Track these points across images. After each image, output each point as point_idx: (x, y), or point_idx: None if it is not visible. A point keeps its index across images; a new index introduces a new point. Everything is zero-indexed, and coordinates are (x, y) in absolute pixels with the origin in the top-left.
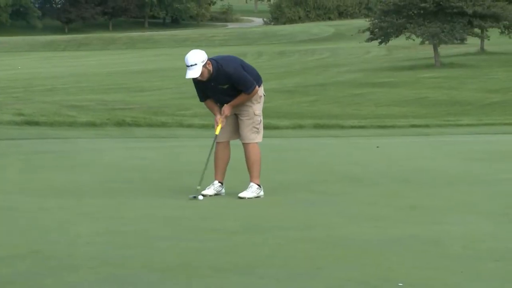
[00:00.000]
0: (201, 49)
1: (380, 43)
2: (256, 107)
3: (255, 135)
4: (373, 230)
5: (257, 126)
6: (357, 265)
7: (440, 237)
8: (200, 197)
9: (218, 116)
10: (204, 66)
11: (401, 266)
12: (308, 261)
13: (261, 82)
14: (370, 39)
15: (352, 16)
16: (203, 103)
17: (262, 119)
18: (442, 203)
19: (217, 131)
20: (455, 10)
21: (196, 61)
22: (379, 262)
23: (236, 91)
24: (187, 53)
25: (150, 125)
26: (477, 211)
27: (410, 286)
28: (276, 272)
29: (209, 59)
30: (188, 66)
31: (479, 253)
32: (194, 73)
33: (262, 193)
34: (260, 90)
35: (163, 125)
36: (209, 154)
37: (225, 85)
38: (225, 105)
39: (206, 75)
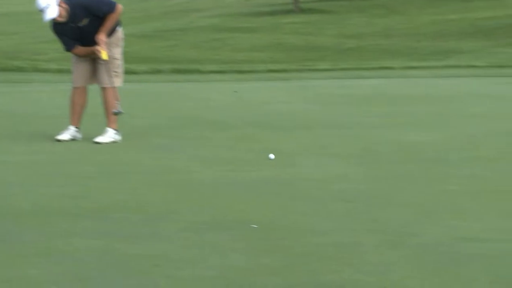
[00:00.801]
0: None
1: None
2: (116, 51)
3: (114, 79)
4: (228, 173)
5: (116, 70)
6: (212, 208)
7: (294, 179)
8: None
9: (97, 47)
10: (59, 5)
11: (255, 208)
12: (163, 204)
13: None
14: None
15: None
16: (71, 52)
17: (121, 63)
18: (298, 146)
19: (105, 56)
20: None
21: (49, 2)
22: (233, 204)
23: (98, 23)
24: None
25: (4, 69)
26: (331, 153)
27: (264, 227)
28: (131, 216)
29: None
30: (42, 9)
31: (332, 194)
32: (52, 13)
33: (119, 137)
34: (120, 33)
35: (18, 69)
36: None
37: (85, 20)
38: (98, 33)
39: (64, 13)
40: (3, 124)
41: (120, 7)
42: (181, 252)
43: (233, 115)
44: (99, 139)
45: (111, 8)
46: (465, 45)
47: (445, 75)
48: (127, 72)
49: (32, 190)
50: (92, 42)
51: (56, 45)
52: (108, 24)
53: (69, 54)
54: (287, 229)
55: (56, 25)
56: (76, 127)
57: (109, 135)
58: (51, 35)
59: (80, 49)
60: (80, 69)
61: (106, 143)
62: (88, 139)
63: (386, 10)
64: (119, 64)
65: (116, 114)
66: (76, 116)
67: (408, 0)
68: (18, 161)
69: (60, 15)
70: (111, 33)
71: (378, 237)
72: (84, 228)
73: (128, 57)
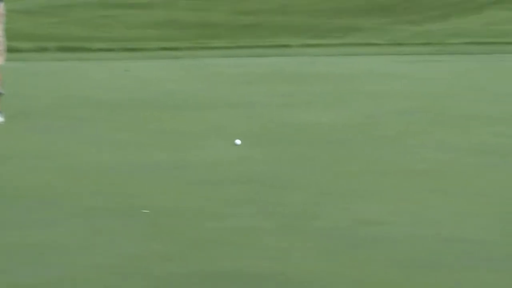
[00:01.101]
0: None
1: None
2: None
3: None
4: (118, 156)
5: None
6: (102, 192)
7: (190, 161)
8: None
9: None
10: None
11: (148, 192)
12: (51, 190)
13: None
14: None
15: None
16: None
17: (3, 40)
18: (191, 127)
19: None
20: None
21: None
22: (125, 189)
23: None
24: None
25: None
26: (227, 135)
27: (158, 212)
28: (16, 202)
29: None
30: None
31: (229, 177)
32: None
33: (1, 119)
34: (1, 8)
35: None
36: None
37: None
38: None
39: None
40: None
41: None
42: (70, 239)
43: (125, 94)
44: None
45: None
46: (364, 22)
47: (344, 53)
48: (10, 49)
49: None
50: None
51: None
52: None
53: None
54: (182, 214)
55: None
56: None
57: None
58: None
59: None
60: None
61: None
62: None
63: None
64: (0, 42)
65: None
66: None
67: None
68: None
69: None
70: None
71: (277, 221)
72: None
73: (10, 34)
